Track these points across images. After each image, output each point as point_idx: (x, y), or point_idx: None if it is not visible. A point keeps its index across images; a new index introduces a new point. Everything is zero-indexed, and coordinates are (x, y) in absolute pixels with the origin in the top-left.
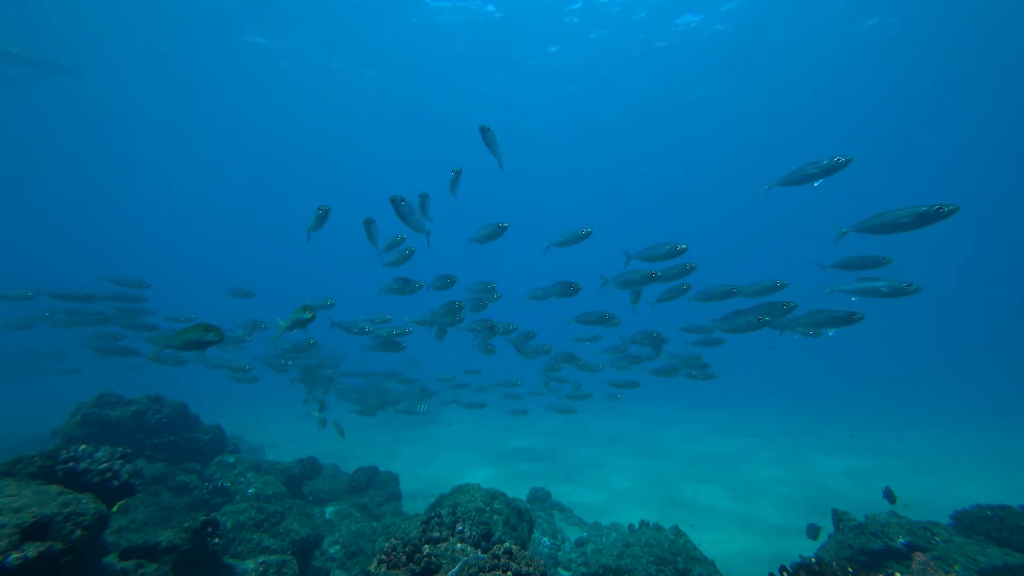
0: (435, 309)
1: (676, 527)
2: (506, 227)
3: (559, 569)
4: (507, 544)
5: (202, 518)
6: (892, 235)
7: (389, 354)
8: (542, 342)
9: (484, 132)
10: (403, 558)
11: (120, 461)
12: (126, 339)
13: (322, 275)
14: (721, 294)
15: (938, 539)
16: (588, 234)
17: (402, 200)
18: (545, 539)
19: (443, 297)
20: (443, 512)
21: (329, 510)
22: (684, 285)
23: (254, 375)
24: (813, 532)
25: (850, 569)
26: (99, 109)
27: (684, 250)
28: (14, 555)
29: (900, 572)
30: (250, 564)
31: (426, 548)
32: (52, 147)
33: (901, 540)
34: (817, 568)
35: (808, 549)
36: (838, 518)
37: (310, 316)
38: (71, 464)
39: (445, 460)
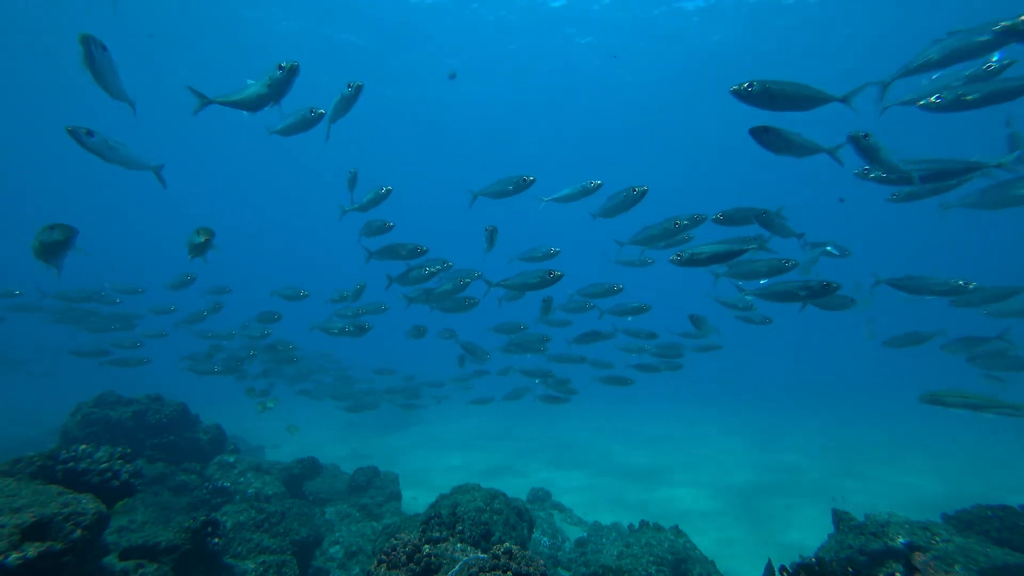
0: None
1: (676, 527)
2: (532, 180)
3: (559, 569)
4: (507, 544)
5: (202, 518)
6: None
7: (389, 355)
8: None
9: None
10: (403, 558)
11: (120, 461)
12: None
13: (311, 272)
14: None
15: (938, 539)
16: (598, 187)
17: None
18: (545, 539)
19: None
20: (443, 512)
21: (329, 510)
22: (687, 236)
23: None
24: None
25: (850, 569)
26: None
27: (645, 190)
28: (14, 555)
29: (900, 572)
30: (250, 564)
31: (426, 548)
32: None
33: (901, 540)
34: (817, 568)
35: None
36: (838, 518)
37: (203, 239)
38: (71, 464)
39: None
